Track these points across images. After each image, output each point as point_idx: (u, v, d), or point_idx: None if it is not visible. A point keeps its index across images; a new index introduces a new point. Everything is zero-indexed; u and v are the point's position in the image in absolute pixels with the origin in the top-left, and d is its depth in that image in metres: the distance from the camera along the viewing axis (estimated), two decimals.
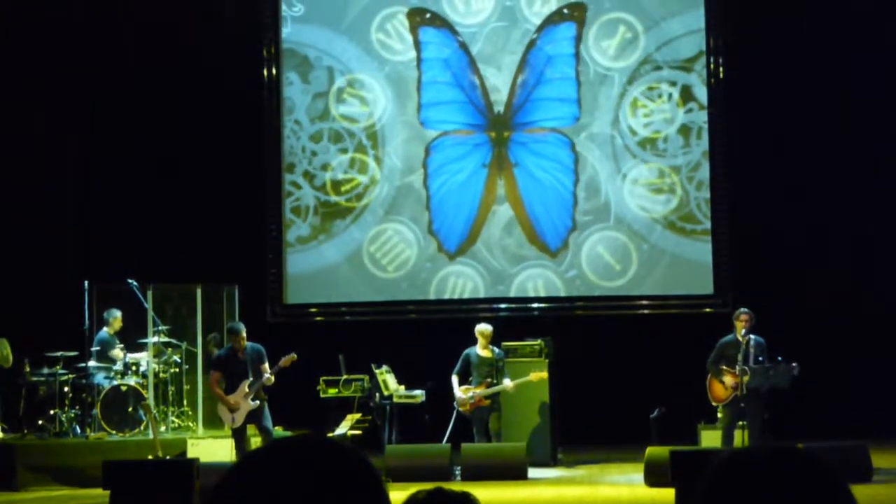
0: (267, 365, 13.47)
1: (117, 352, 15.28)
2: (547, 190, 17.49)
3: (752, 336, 13.42)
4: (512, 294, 17.46)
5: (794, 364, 13.22)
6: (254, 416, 13.38)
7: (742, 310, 13.57)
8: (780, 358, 13.49)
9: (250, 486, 1.71)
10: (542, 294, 17.45)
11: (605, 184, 17.35)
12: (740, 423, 13.29)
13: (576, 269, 17.40)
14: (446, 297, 17.51)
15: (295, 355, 13.50)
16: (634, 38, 17.34)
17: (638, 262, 17.27)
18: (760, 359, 13.39)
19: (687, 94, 17.39)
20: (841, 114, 16.85)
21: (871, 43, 17.07)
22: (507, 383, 14.59)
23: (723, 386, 13.44)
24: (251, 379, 13.36)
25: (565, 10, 17.52)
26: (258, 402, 13.37)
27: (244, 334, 13.51)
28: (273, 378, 13.40)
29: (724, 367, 13.42)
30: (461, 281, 17.53)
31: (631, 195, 17.31)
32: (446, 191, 17.55)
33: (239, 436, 13.46)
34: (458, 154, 17.60)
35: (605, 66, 17.40)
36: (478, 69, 17.58)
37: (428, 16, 17.59)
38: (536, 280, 17.46)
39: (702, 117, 17.35)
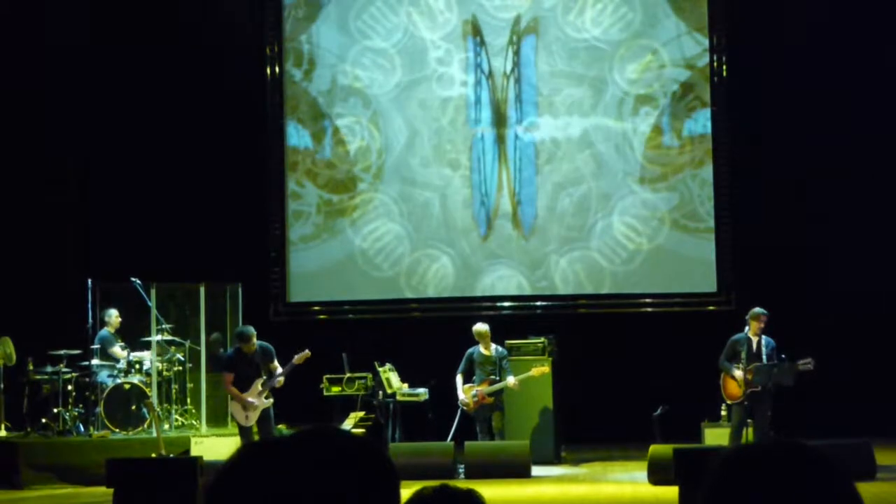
0: (277, 363, 13.57)
1: (117, 350, 15.29)
2: (524, 183, 17.54)
3: (763, 336, 13.47)
4: (478, 291, 17.48)
5: (809, 359, 13.28)
6: (267, 414, 13.49)
7: (762, 311, 13.53)
8: (783, 356, 13.52)
9: (256, 476, 1.71)
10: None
11: (597, 204, 17.35)
12: (748, 420, 13.35)
13: (547, 280, 17.44)
14: (415, 279, 17.54)
15: (308, 352, 13.58)
16: (660, 66, 17.36)
17: (609, 288, 17.29)
18: (769, 358, 13.42)
19: (690, 92, 17.38)
20: (844, 111, 16.82)
21: (875, 41, 17.04)
22: (510, 380, 14.61)
23: (737, 384, 13.44)
24: (264, 378, 13.45)
25: (531, 24, 17.57)
26: (271, 399, 13.50)
27: (255, 340, 13.51)
28: (283, 380, 13.48)
29: (735, 365, 13.45)
30: (434, 266, 17.55)
31: (621, 222, 17.30)
32: (480, 183, 17.60)
33: (247, 435, 13.54)
34: (485, 149, 17.65)
35: (623, 89, 17.41)
36: (492, 71, 17.62)
37: (478, 39, 17.68)
38: (509, 281, 17.49)
39: (705, 115, 17.34)
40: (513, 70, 17.68)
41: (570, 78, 17.56)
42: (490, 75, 17.70)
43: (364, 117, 17.76)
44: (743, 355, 13.42)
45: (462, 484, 2.03)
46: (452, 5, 17.72)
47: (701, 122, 17.37)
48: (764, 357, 13.40)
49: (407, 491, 2.05)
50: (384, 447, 14.07)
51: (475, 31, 17.72)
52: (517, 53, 17.67)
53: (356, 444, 1.75)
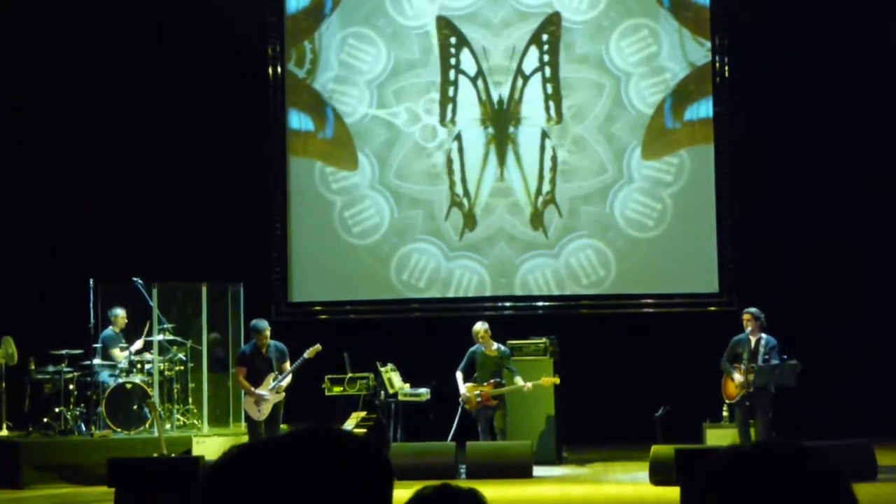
0: (288, 364, 13.86)
1: (116, 351, 15.29)
2: (544, 181, 17.57)
3: (763, 335, 13.55)
4: (456, 279, 17.52)
5: (794, 362, 13.41)
6: (276, 410, 13.69)
7: (746, 309, 13.74)
8: (785, 356, 13.56)
9: (248, 477, 1.71)
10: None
11: (601, 203, 17.35)
12: (749, 421, 13.44)
13: (553, 279, 17.50)
14: (415, 278, 17.54)
15: (319, 346, 13.87)
16: (654, 42, 17.35)
17: (610, 288, 17.28)
18: (766, 357, 13.48)
19: (692, 93, 17.36)
20: (846, 111, 16.81)
21: (877, 40, 17.04)
22: (523, 383, 14.54)
23: (734, 384, 13.56)
24: (276, 373, 13.70)
25: (554, 27, 17.56)
26: (283, 395, 13.77)
27: (267, 333, 13.89)
28: (291, 378, 13.74)
29: (736, 365, 13.55)
30: (423, 258, 17.56)
31: (625, 221, 17.29)
32: (471, 177, 17.61)
33: (256, 430, 13.68)
34: (476, 145, 17.62)
35: (622, 69, 17.40)
36: (484, 73, 17.60)
37: (454, 40, 17.61)
38: (512, 280, 17.53)
39: (707, 130, 17.30)
40: (539, 69, 17.56)
41: (579, 78, 17.50)
42: (479, 74, 17.61)
43: (364, 114, 17.73)
44: (745, 356, 13.53)
45: (463, 484, 2.03)
46: (426, 5, 17.71)
47: (704, 121, 17.35)
48: (760, 357, 13.47)
49: (407, 492, 2.05)
50: (383, 446, 14.10)
51: (451, 31, 17.64)
52: (549, 53, 17.54)
53: (350, 443, 1.75)
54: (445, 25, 17.72)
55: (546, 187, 17.52)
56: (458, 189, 17.64)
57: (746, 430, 13.53)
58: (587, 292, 17.45)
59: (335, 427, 1.80)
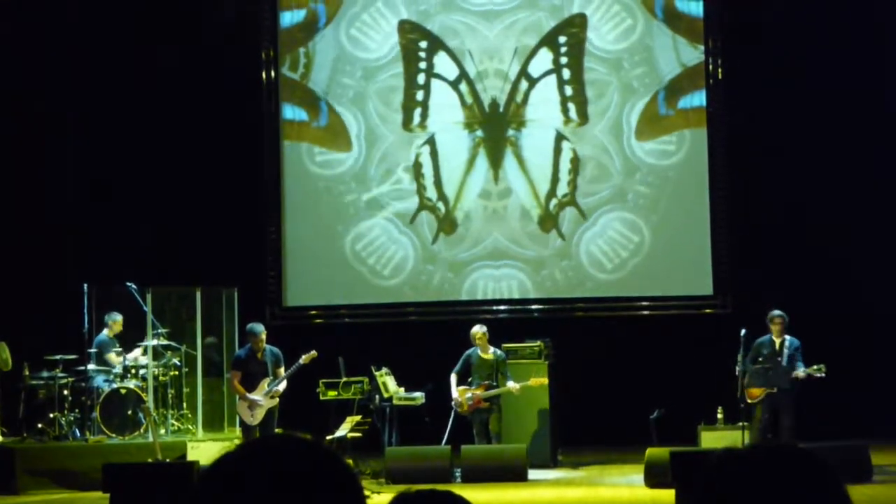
0: (283, 370, 13.85)
1: (112, 356, 15.27)
2: (558, 183, 17.61)
3: (787, 337, 13.72)
4: (440, 268, 17.50)
5: (804, 369, 13.54)
6: (270, 415, 13.70)
7: (773, 312, 13.84)
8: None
9: (225, 488, 1.71)
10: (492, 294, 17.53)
11: (598, 200, 17.34)
12: (743, 423, 13.49)
13: (553, 281, 17.51)
14: (410, 282, 17.50)
15: (315, 352, 13.90)
16: (636, 25, 17.36)
17: (606, 291, 17.26)
18: (791, 357, 13.67)
19: (686, 94, 17.36)
20: (842, 111, 16.82)
21: (873, 39, 17.06)
22: (512, 385, 14.56)
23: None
24: (271, 378, 13.71)
25: (572, 26, 17.52)
26: (277, 400, 13.76)
27: (263, 336, 13.86)
28: (286, 383, 13.75)
29: (754, 367, 13.74)
30: (427, 268, 17.58)
31: (621, 220, 17.27)
32: (449, 181, 17.58)
33: (251, 434, 13.70)
34: (456, 148, 17.57)
35: (608, 59, 17.40)
36: (469, 76, 17.56)
37: (424, 44, 17.54)
38: (511, 282, 17.50)
39: (701, 116, 17.32)
40: (554, 70, 17.46)
41: (594, 76, 17.50)
42: (463, 77, 17.55)
43: (360, 110, 17.72)
44: (765, 354, 13.74)
45: (458, 488, 2.03)
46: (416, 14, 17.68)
47: (697, 123, 17.36)
48: (785, 357, 13.62)
49: None
50: (380, 453, 14.09)
51: (421, 34, 17.58)
52: (568, 55, 17.43)
53: (306, 453, 1.75)
54: (412, 29, 17.65)
55: (563, 189, 17.40)
56: (431, 193, 17.54)
57: (763, 427, 13.58)
58: (609, 278, 17.33)
59: (299, 435, 1.80)
